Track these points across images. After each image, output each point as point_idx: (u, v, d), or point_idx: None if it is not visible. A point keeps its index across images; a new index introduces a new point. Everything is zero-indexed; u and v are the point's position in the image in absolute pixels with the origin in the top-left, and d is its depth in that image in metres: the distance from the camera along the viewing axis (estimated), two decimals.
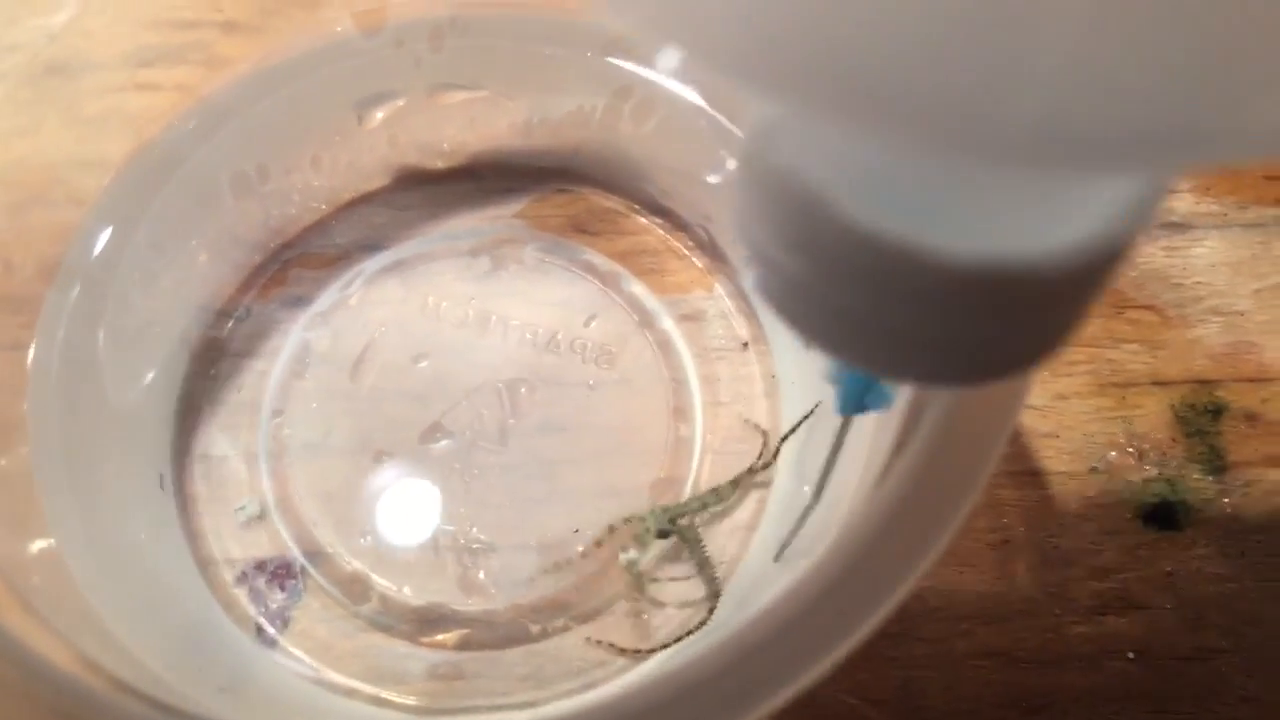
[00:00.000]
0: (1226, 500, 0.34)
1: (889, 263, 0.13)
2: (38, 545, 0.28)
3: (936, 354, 0.15)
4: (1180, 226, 0.38)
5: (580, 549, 0.32)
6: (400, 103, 0.35)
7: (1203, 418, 0.35)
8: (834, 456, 0.26)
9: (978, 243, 0.13)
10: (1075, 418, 0.35)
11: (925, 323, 0.14)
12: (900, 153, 0.13)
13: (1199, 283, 0.37)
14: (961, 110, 0.10)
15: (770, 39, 0.10)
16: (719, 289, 0.36)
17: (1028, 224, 0.13)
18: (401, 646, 0.32)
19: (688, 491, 0.33)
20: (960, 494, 0.20)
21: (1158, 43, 0.09)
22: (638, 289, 0.36)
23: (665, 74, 0.34)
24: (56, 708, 0.20)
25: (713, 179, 0.35)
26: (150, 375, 0.33)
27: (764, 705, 0.18)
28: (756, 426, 0.34)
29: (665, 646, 0.31)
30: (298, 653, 0.32)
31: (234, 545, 0.33)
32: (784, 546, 0.30)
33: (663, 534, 0.32)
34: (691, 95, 0.34)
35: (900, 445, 0.22)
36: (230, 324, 0.36)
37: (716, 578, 0.32)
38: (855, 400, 0.21)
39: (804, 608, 0.19)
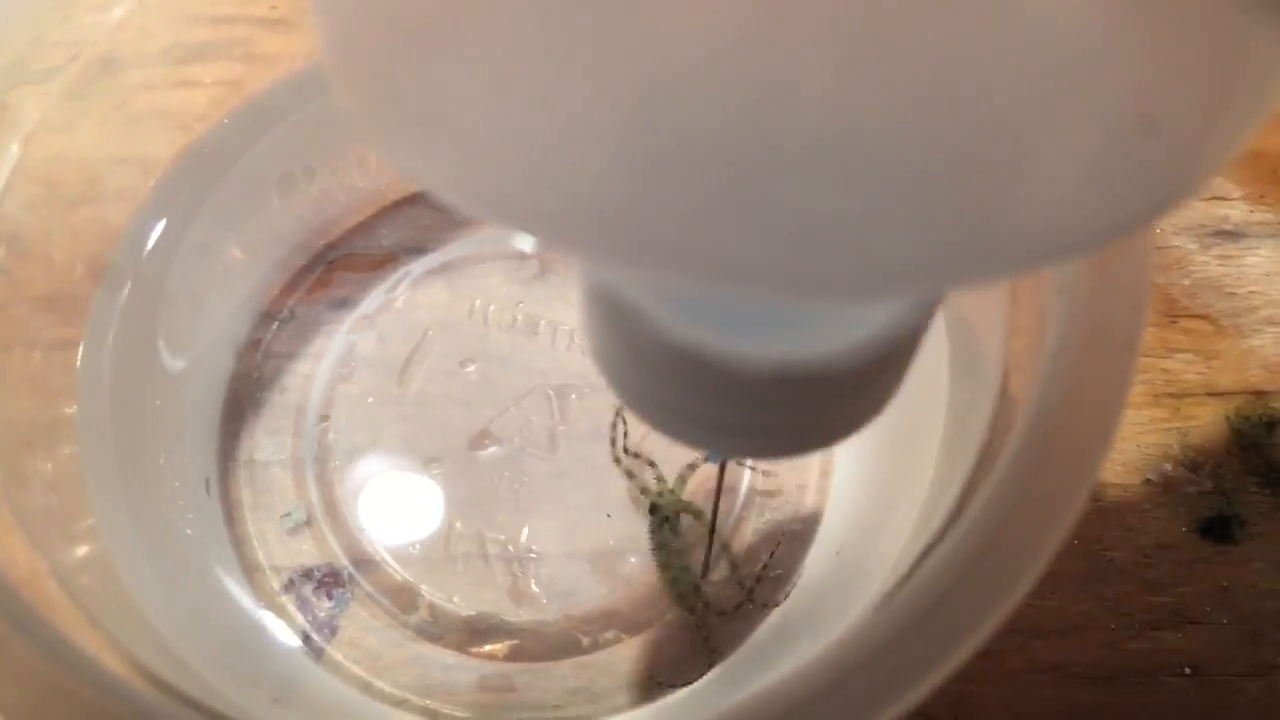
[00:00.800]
0: None
1: (698, 369, 0.15)
2: (86, 548, 0.28)
3: (754, 438, 0.17)
4: (1234, 235, 0.38)
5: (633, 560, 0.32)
6: None
7: (1258, 429, 0.35)
8: (718, 492, 0.28)
9: (774, 349, 0.14)
10: (1129, 429, 0.35)
11: (738, 414, 0.16)
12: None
13: (1253, 292, 0.37)
14: (724, 267, 0.11)
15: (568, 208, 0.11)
16: None
17: (819, 329, 0.15)
18: (451, 657, 0.31)
19: (740, 500, 0.33)
20: (1052, 524, 0.19)
21: (874, 208, 0.10)
22: None
23: None
24: (107, 713, 0.19)
25: None
26: (196, 378, 0.33)
27: None
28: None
29: (674, 686, 0.31)
30: (346, 662, 0.31)
31: (280, 552, 0.32)
32: (706, 565, 0.31)
33: (654, 509, 0.32)
34: None
35: (980, 472, 0.22)
36: (275, 326, 0.35)
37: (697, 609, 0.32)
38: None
39: (890, 638, 0.19)
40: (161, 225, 0.31)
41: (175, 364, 0.32)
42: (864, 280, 0.11)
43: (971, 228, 0.10)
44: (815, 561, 0.31)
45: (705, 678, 0.30)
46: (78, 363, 0.30)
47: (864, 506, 0.31)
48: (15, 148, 0.28)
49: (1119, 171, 0.10)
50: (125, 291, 0.31)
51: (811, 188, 0.10)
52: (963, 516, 0.20)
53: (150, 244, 0.31)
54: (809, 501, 0.33)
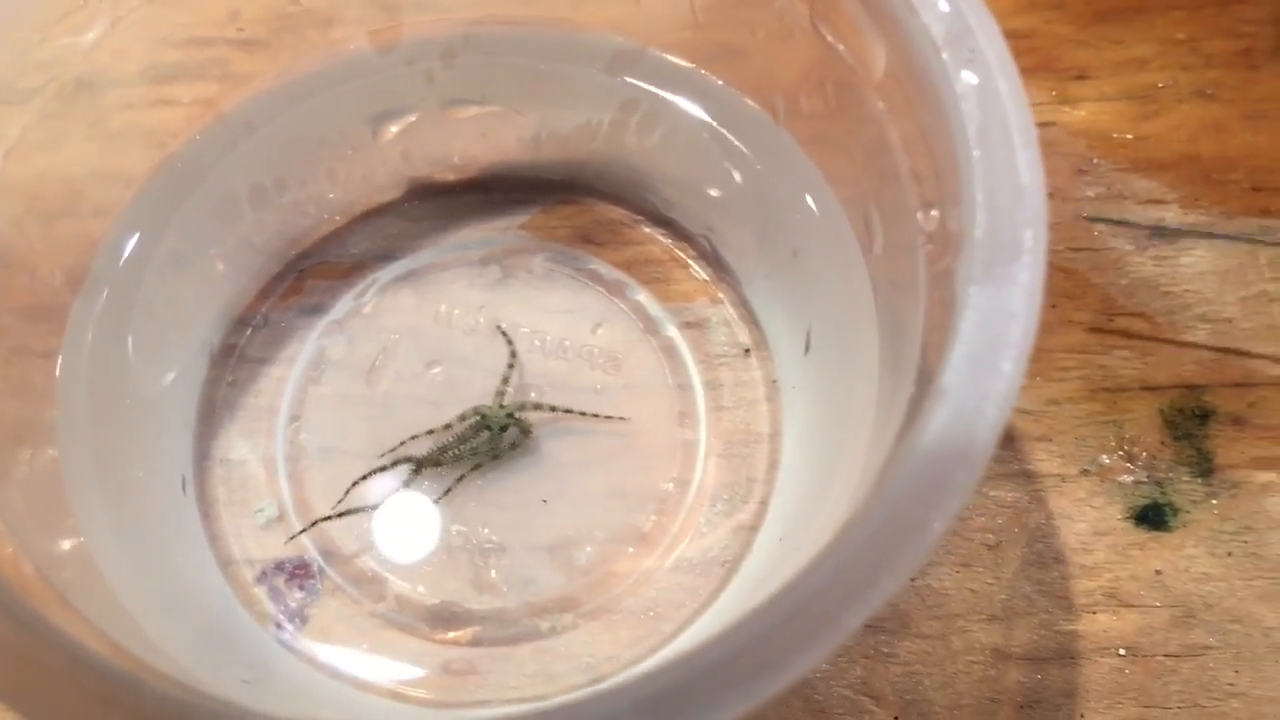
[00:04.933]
0: (1214, 502, 0.35)
1: None
2: (68, 543, 0.29)
3: None
4: (1169, 236, 0.39)
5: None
6: (413, 118, 0.36)
7: (1191, 422, 0.36)
8: None
9: None
10: (1067, 422, 0.36)
11: None
12: None
13: (1188, 291, 0.38)
14: None
15: None
16: (721, 297, 0.37)
17: None
18: (416, 643, 0.33)
19: (691, 495, 0.35)
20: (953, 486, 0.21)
21: None
22: (643, 297, 0.37)
23: (669, 89, 0.35)
24: (98, 693, 0.21)
25: (714, 192, 0.36)
26: (172, 381, 0.34)
27: (773, 686, 0.19)
28: None
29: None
30: (316, 648, 0.33)
31: (254, 546, 0.34)
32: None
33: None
34: (695, 109, 0.35)
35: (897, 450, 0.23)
36: (248, 332, 0.37)
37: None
38: None
39: (808, 595, 0.20)
40: (136, 236, 0.33)
41: (151, 369, 0.33)
42: None
43: None
44: (760, 548, 0.33)
45: (650, 660, 0.32)
46: (57, 369, 0.31)
47: (803, 494, 0.32)
48: None
49: None
50: (102, 300, 0.32)
51: None
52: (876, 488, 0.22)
53: (126, 254, 0.33)
54: (757, 493, 0.34)
